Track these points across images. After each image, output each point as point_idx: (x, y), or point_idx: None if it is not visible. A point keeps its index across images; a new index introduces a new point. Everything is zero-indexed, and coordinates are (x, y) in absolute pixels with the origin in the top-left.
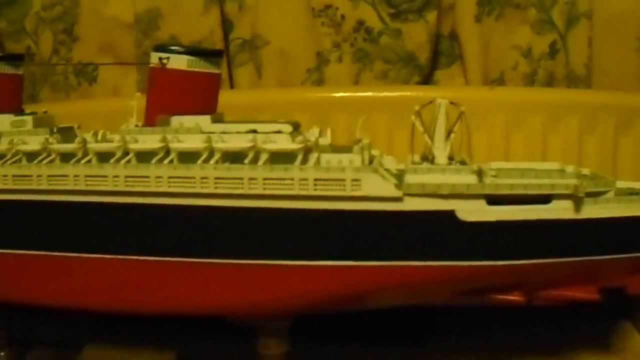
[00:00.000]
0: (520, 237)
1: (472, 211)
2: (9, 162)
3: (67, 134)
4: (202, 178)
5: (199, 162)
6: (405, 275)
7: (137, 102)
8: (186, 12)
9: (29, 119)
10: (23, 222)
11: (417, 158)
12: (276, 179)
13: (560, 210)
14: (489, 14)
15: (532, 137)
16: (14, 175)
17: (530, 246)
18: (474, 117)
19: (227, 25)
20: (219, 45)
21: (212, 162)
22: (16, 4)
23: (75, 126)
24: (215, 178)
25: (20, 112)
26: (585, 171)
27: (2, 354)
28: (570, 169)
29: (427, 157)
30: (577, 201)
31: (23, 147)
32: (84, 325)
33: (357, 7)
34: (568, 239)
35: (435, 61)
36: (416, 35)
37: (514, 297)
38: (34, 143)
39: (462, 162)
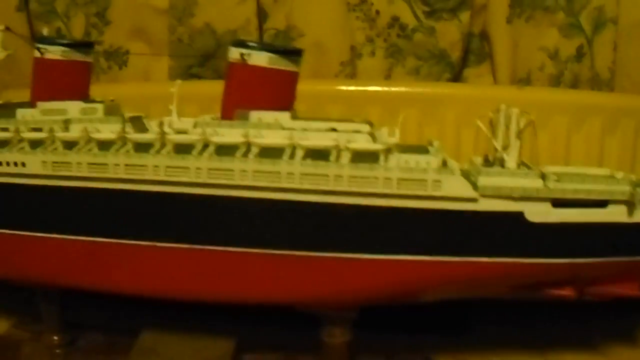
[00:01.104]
0: (579, 238)
1: (539, 213)
2: (83, 149)
3: (137, 123)
4: (289, 173)
5: (285, 157)
6: (476, 270)
7: (177, 89)
8: (222, 1)
9: (99, 107)
10: (94, 210)
11: (479, 160)
12: (362, 177)
13: (616, 214)
14: (520, 16)
15: (556, 136)
16: (89, 163)
17: (587, 246)
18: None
19: (261, 15)
20: (254, 34)
21: (296, 158)
22: None
23: (143, 115)
24: (302, 174)
25: (89, 100)
26: (633, 177)
27: (56, 337)
28: (620, 175)
29: (488, 159)
30: (631, 206)
31: (97, 135)
32: (139, 312)
33: (392, 4)
34: (620, 240)
35: (465, 59)
36: (449, 33)
37: (566, 292)
38: (107, 131)
39: (526, 166)
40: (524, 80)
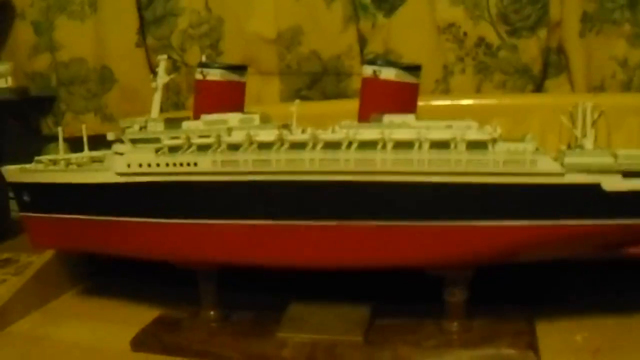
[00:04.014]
0: None
1: (612, 183)
2: (247, 150)
3: (287, 128)
4: (419, 160)
5: (415, 148)
6: (564, 231)
7: (296, 108)
8: (326, 30)
9: (256, 116)
10: (257, 198)
11: (564, 147)
12: (475, 160)
13: None
14: (590, 30)
15: (630, 136)
16: (254, 160)
17: None
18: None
19: (362, 41)
20: (356, 59)
21: (424, 148)
22: (163, 23)
23: (289, 123)
24: (429, 160)
25: (245, 112)
26: None
27: (212, 312)
28: None
29: (571, 146)
30: None
31: (258, 138)
32: (281, 291)
33: (478, 25)
34: None
35: (545, 72)
36: (530, 49)
37: (638, 250)
38: (266, 135)
39: (600, 148)
40: (598, 88)
